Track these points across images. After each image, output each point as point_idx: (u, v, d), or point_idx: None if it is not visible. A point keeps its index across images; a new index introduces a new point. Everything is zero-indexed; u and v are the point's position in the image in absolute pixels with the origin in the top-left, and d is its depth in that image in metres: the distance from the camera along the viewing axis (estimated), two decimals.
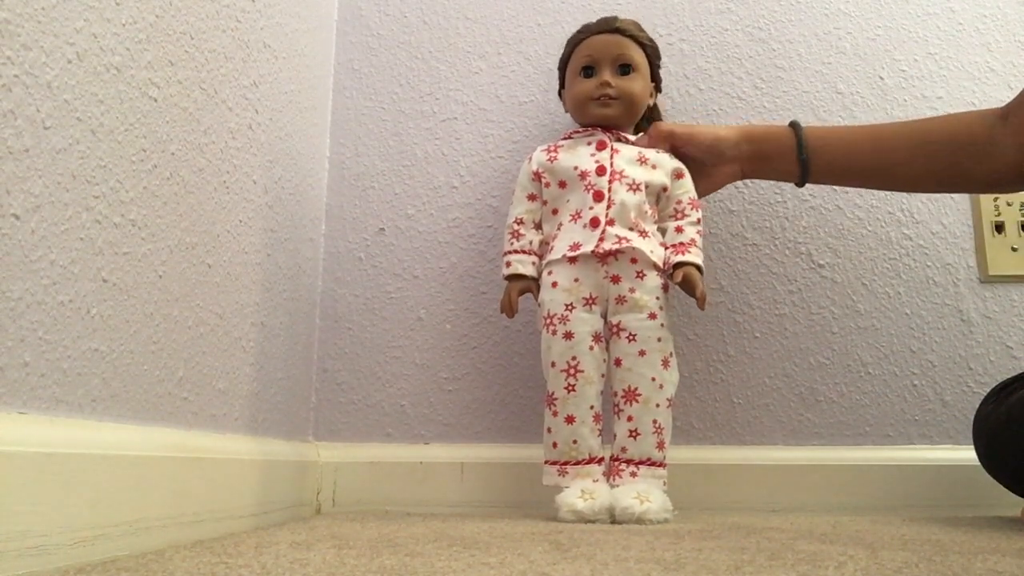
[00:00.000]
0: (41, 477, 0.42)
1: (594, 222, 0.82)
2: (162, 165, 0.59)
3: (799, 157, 0.86)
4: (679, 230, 0.85)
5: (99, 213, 0.51)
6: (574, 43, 0.91)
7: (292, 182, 0.89)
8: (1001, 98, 0.83)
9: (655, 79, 0.93)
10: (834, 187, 1.03)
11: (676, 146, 0.88)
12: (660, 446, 0.79)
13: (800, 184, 0.88)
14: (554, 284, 0.83)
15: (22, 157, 0.43)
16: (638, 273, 0.82)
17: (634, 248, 0.81)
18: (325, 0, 1.05)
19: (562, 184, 0.87)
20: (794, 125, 0.87)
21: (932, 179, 0.85)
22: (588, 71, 0.89)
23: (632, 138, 0.89)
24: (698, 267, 0.82)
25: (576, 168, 0.86)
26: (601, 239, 0.81)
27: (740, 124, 0.95)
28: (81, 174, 0.49)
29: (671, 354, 0.82)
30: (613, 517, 0.74)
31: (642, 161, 0.86)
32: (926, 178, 0.85)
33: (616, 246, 0.81)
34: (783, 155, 0.87)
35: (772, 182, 1.03)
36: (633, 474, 0.78)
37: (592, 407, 0.80)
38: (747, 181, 1.03)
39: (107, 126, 0.52)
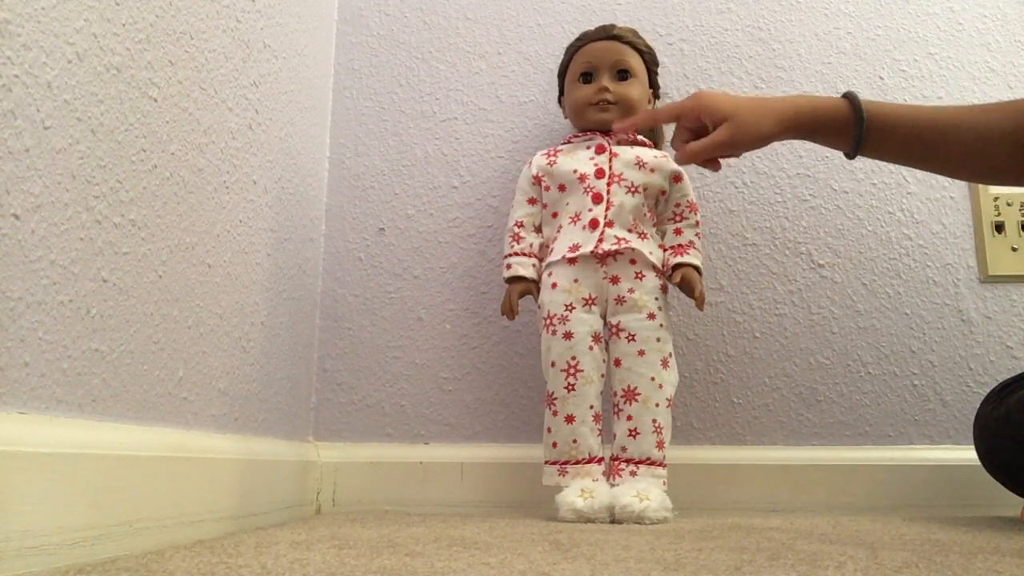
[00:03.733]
0: (41, 477, 0.42)
1: (593, 223, 0.83)
2: (162, 165, 0.59)
3: (856, 134, 0.78)
4: (678, 232, 0.85)
5: (99, 213, 0.51)
6: (573, 50, 0.92)
7: (292, 182, 0.89)
8: (1001, 98, 0.82)
9: (653, 85, 0.93)
10: (834, 187, 1.03)
11: (715, 122, 0.78)
12: (660, 445, 0.79)
13: (851, 157, 0.81)
14: (554, 285, 0.83)
15: (22, 157, 0.43)
16: (637, 274, 0.82)
17: (633, 249, 0.82)
18: (325, 0, 1.05)
19: (561, 187, 0.87)
20: (851, 98, 0.78)
21: (990, 172, 0.80)
22: (587, 77, 0.89)
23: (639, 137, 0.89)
24: (697, 268, 0.83)
25: (575, 171, 0.86)
26: (600, 240, 0.82)
27: (789, 96, 0.87)
28: (81, 174, 0.49)
29: (670, 354, 0.82)
30: (613, 516, 0.74)
31: (640, 165, 0.86)
32: (984, 171, 0.80)
33: (615, 247, 0.81)
34: (838, 129, 0.79)
35: (772, 182, 1.03)
36: (633, 473, 0.78)
37: (592, 407, 0.80)
38: (747, 182, 1.03)
39: (107, 126, 0.52)
